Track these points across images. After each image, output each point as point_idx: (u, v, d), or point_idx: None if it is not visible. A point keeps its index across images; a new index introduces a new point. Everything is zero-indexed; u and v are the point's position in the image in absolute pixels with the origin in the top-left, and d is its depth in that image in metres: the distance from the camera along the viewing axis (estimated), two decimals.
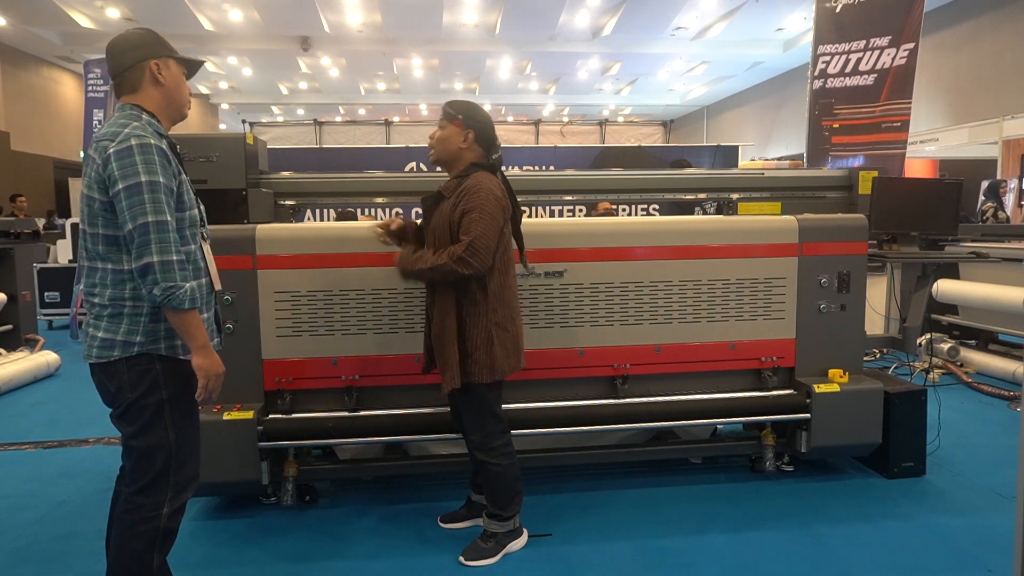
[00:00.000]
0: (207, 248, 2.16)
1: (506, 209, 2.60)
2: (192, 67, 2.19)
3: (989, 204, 9.36)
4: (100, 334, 1.98)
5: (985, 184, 9.77)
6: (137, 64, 2.03)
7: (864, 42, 6.57)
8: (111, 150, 1.90)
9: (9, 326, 6.26)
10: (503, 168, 2.74)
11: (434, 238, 2.64)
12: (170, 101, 2.10)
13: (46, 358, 6.08)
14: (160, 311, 1.97)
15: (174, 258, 1.91)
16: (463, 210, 2.52)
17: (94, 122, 8.46)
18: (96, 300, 2.00)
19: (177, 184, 2.00)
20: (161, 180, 1.91)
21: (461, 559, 2.72)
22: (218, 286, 2.20)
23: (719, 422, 3.57)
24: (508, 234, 2.65)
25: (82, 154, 8.54)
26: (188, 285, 1.93)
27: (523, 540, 2.85)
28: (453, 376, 2.59)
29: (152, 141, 1.93)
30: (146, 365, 1.99)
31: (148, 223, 1.88)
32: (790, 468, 3.55)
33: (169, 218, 1.93)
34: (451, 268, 2.49)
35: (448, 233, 2.57)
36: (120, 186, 1.88)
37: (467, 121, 2.63)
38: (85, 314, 2.08)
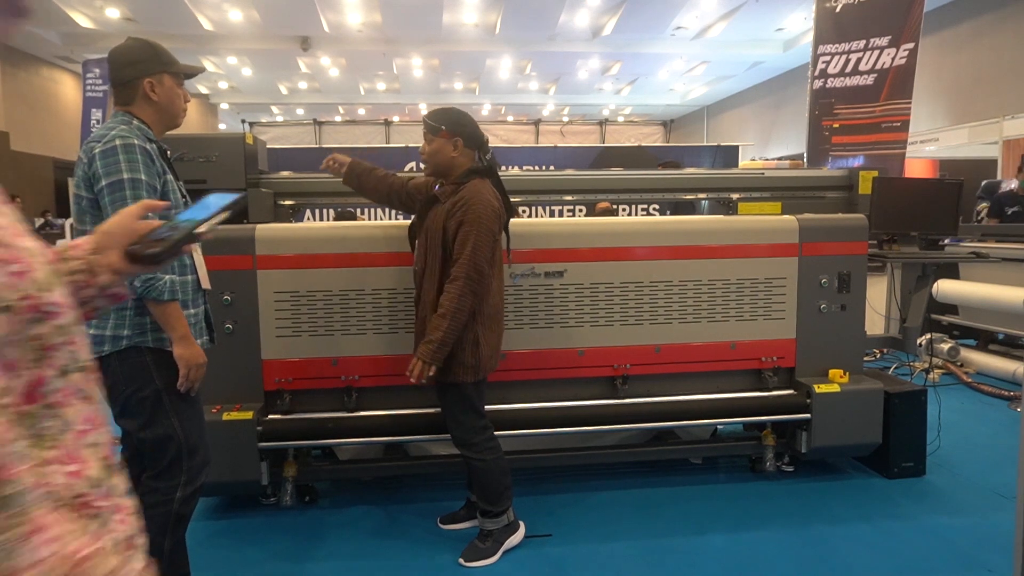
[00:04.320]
0: (195, 248, 2.21)
1: (501, 217, 2.63)
2: (190, 73, 2.27)
3: (983, 204, 9.35)
4: (91, 331, 2.05)
5: (982, 185, 9.76)
6: (132, 81, 2.12)
7: (864, 42, 6.55)
8: (96, 150, 2.00)
9: None
10: (497, 169, 2.75)
11: (426, 238, 2.66)
12: (162, 115, 2.19)
13: None
14: (144, 304, 2.04)
15: None
16: (459, 221, 2.53)
17: (92, 121, 8.45)
18: None
19: (161, 184, 2.08)
20: (143, 178, 2.00)
21: (460, 560, 2.72)
22: (206, 285, 2.27)
23: (719, 422, 3.57)
24: (499, 238, 2.67)
25: None
26: (167, 277, 2.02)
27: (520, 534, 2.86)
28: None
29: (136, 142, 2.01)
30: (136, 358, 2.07)
31: None
32: (790, 468, 3.55)
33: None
34: (463, 294, 2.49)
35: (441, 236, 2.59)
36: (104, 183, 1.97)
37: (452, 128, 2.62)
38: None
